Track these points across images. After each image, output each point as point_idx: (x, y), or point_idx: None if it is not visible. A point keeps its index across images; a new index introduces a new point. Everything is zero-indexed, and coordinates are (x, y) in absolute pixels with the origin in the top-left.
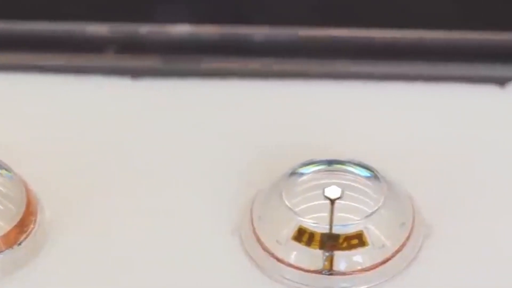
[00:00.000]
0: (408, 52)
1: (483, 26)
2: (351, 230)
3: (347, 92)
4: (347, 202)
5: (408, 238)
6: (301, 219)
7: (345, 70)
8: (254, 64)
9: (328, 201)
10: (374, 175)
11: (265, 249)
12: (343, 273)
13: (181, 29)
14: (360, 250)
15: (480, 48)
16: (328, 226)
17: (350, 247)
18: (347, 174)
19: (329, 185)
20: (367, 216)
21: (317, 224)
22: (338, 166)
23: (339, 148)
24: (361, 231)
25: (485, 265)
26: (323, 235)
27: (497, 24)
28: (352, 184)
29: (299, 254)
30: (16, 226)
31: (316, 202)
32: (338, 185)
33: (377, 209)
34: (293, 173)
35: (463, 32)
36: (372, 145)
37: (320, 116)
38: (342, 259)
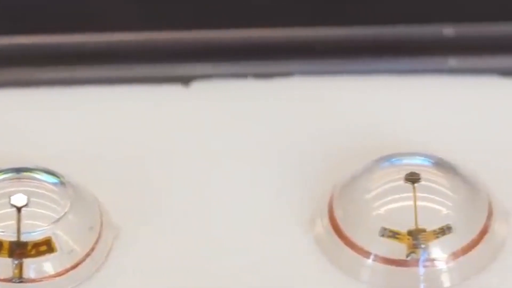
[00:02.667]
0: (92, 55)
1: (163, 26)
2: (38, 237)
3: (43, 99)
4: (34, 209)
5: (97, 241)
6: None
7: (39, 77)
8: None
9: (14, 209)
10: (61, 181)
11: None
12: (33, 280)
13: None
14: (49, 256)
15: (163, 48)
16: (15, 234)
17: (39, 253)
18: (34, 181)
19: (15, 193)
20: (54, 222)
21: (4, 232)
22: (26, 173)
23: (28, 155)
24: (49, 237)
25: (172, 263)
26: (11, 243)
27: (176, 23)
28: (39, 191)
29: None
30: None
31: (3, 211)
32: (25, 192)
33: (64, 215)
34: None
35: (145, 32)
36: (61, 150)
37: (13, 124)
38: (32, 266)
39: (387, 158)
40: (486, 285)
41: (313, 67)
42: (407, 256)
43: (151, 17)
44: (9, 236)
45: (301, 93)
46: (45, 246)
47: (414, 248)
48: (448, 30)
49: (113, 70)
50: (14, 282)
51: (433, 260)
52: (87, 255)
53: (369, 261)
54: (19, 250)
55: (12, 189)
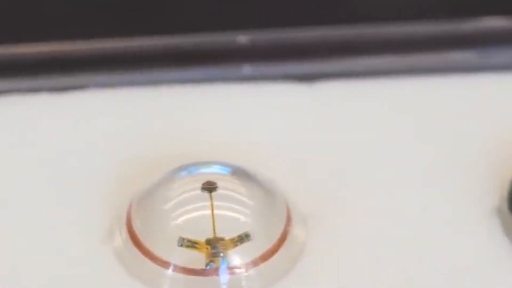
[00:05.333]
0: None
1: None
2: None
3: None
4: None
5: None
6: None
7: None
8: None
9: None
10: None
11: None
12: None
13: None
14: None
15: None
16: None
17: None
18: None
19: None
20: None
21: None
22: None
23: None
24: None
25: None
26: None
27: None
28: None
29: None
30: None
31: None
32: None
33: None
34: None
35: None
36: None
37: None
38: None
39: (184, 167)
40: None
41: (109, 79)
42: (207, 265)
43: None
44: None
45: (97, 105)
46: None
47: (213, 257)
48: (242, 38)
49: None
50: None
51: (233, 268)
52: None
53: (169, 271)
54: None
55: None
